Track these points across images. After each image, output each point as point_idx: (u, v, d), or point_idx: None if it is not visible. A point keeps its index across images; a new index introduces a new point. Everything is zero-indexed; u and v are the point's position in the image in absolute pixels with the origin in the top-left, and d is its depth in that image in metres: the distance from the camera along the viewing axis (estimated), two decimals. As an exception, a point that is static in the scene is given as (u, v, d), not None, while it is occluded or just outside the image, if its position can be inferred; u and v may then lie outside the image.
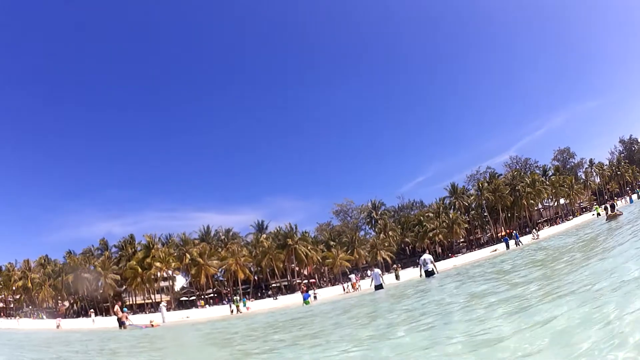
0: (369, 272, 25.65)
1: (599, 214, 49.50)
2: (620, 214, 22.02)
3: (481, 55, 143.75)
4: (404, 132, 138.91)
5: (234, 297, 48.39)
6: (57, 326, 43.66)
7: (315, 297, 41.61)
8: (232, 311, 41.36)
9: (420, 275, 19.54)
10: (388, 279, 45.38)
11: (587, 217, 60.77)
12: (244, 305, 50.28)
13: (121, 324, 27.17)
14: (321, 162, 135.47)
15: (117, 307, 30.16)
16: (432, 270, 18.67)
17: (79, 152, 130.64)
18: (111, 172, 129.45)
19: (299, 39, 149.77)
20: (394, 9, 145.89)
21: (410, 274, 55.07)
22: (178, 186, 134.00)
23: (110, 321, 49.69)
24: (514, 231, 53.37)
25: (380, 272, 21.71)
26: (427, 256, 19.39)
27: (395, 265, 58.87)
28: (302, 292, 40.57)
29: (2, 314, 76.84)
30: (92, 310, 60.56)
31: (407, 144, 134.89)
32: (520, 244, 45.13)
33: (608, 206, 24.78)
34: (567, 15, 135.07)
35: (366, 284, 45.98)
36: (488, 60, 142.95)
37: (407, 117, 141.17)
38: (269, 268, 69.15)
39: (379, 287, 20.38)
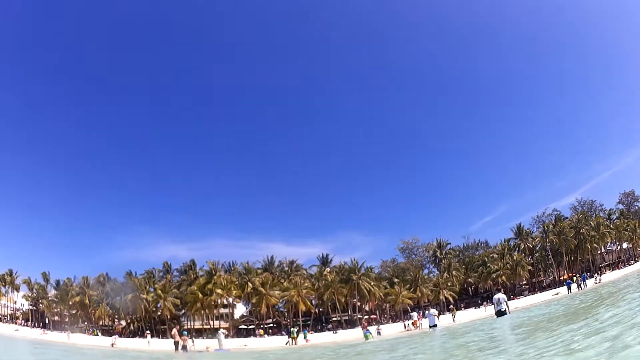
0: (425, 313, 27.72)
1: None
2: None
3: (554, 95, 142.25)
4: (475, 170, 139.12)
5: (292, 329, 47.56)
6: (112, 344, 43.78)
7: (379, 333, 41.52)
8: (287, 342, 41.08)
9: (495, 314, 18.77)
10: (446, 319, 45.05)
11: None
12: (305, 337, 49.81)
13: (177, 346, 27.42)
14: (391, 198, 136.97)
15: (174, 331, 30.35)
16: (505, 310, 17.86)
17: (146, 175, 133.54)
18: (182, 199, 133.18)
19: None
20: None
21: (472, 314, 54.25)
22: (248, 215, 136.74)
23: (166, 343, 49.83)
24: (583, 273, 51.75)
25: (435, 312, 24.10)
26: (501, 295, 18.56)
27: (452, 307, 57.98)
28: (362, 328, 40.15)
29: (55, 328, 77.80)
30: (148, 331, 60.38)
31: (478, 182, 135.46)
32: (582, 287, 44.09)
33: None
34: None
35: (427, 323, 45.48)
36: (561, 100, 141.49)
37: (481, 155, 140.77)
38: (331, 302, 68.42)
39: (433, 326, 22.62)
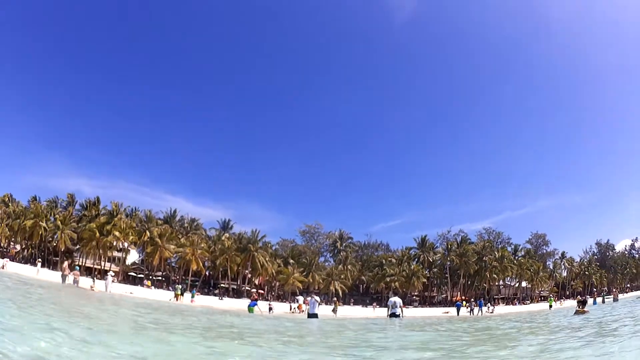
0: (308, 298, 24.61)
1: (550, 306, 51.14)
2: (587, 312, 22.10)
3: (482, 121, 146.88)
4: (389, 171, 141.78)
5: (177, 286, 48.02)
6: (2, 266, 43.51)
7: (270, 309, 41.46)
8: (171, 299, 41.29)
9: (387, 316, 19.52)
10: (326, 309, 45.78)
11: (542, 305, 61.74)
12: (193, 296, 50.33)
13: (64, 279, 27.81)
14: (298, 179, 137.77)
15: (66, 264, 30.45)
16: (399, 314, 18.65)
17: (65, 104, 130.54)
18: (92, 132, 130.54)
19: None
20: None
21: (359, 312, 55.55)
22: (156, 163, 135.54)
23: (55, 275, 49.60)
24: (480, 299, 53.50)
25: (318, 300, 21.10)
26: (397, 299, 19.36)
27: (335, 299, 58.90)
28: (251, 299, 40.56)
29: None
30: (39, 259, 59.75)
31: (390, 183, 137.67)
32: (473, 312, 45.77)
33: (581, 300, 25.14)
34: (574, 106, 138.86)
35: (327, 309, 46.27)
36: (488, 126, 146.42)
37: (398, 158, 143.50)
38: (223, 267, 69.06)
39: (312, 315, 19.89)
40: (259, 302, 40.07)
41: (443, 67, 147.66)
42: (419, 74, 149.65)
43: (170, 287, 64.30)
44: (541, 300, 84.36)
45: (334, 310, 43.64)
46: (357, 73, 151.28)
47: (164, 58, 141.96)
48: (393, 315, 18.53)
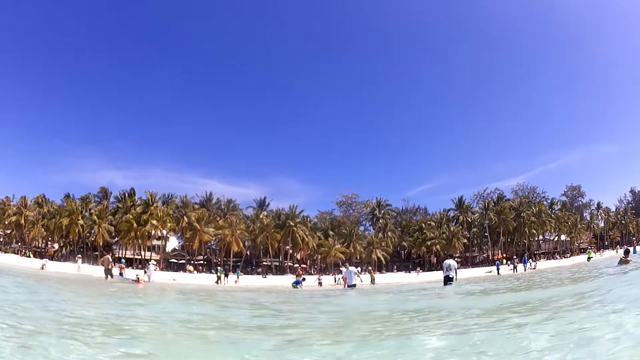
0: (342, 269, 23.07)
1: (589, 258, 51.12)
2: (630, 260, 21.43)
3: (505, 78, 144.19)
4: (418, 135, 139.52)
5: (218, 268, 47.61)
6: (42, 267, 42.79)
7: (320, 283, 40.94)
8: (217, 281, 40.94)
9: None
10: (366, 279, 44.97)
11: (582, 258, 60.66)
12: (238, 277, 50.12)
13: (107, 274, 26.59)
14: (333, 150, 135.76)
15: (107, 257, 29.16)
16: (453, 277, 17.78)
17: (93, 100, 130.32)
18: (122, 124, 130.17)
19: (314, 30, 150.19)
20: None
21: (399, 278, 54.74)
22: (187, 148, 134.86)
23: (96, 270, 49.20)
24: (524, 256, 52.70)
25: (355, 270, 20.12)
26: (451, 262, 18.42)
27: (370, 269, 58.12)
28: (297, 275, 40.16)
29: (-12, 246, 76.51)
30: (79, 255, 59.54)
31: (420, 148, 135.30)
32: (516, 270, 44.73)
33: (624, 249, 24.35)
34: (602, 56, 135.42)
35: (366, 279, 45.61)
36: (511, 83, 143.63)
37: (423, 121, 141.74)
38: (263, 246, 68.67)
39: (351, 287, 19.03)
40: (307, 277, 39.83)
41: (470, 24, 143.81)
42: (445, 26, 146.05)
43: (212, 270, 64.19)
44: (581, 252, 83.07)
45: (372, 280, 42.97)
46: (381, 35, 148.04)
47: (188, 40, 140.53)
48: (447, 278, 17.62)
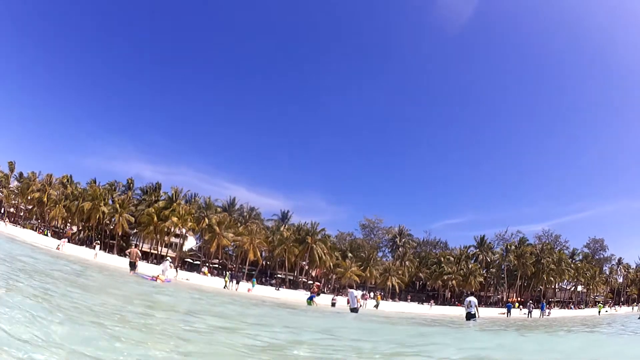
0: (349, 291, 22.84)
1: (599, 312, 51.49)
2: None
3: (549, 118, 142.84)
4: (447, 171, 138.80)
5: (227, 273, 47.11)
6: (58, 247, 42.29)
7: (333, 304, 40.23)
8: (225, 286, 40.53)
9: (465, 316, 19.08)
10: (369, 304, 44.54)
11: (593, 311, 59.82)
12: (253, 285, 49.75)
13: (133, 267, 25.98)
14: (363, 174, 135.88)
15: (137, 250, 28.52)
16: (474, 313, 18.32)
17: (132, 94, 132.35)
18: (155, 117, 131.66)
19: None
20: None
21: (410, 308, 54.06)
22: (219, 152, 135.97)
23: (113, 259, 49.04)
24: (542, 302, 52.08)
25: (358, 293, 20.14)
26: (472, 299, 19.13)
27: (377, 293, 57.55)
28: (311, 292, 39.61)
29: (9, 219, 77.22)
30: (97, 242, 59.44)
31: (451, 182, 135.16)
32: (530, 315, 44.22)
33: None
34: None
35: (370, 304, 45.18)
36: (553, 124, 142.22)
37: (458, 155, 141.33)
38: (280, 258, 68.26)
39: (354, 310, 18.97)
40: (321, 296, 39.29)
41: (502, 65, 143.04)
42: (476, 72, 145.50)
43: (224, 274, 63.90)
44: (595, 305, 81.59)
45: (376, 306, 42.62)
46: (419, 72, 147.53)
47: (223, 48, 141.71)
48: (469, 314, 18.27)
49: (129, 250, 29.33)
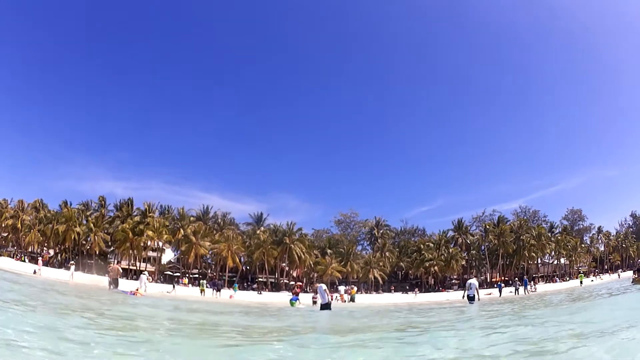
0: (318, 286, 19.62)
1: (581, 282, 52.54)
2: None
3: (510, 98, 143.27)
4: (418, 155, 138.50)
5: (201, 281, 46.88)
6: (35, 272, 41.92)
7: (314, 302, 40.22)
8: (201, 292, 40.56)
9: (463, 297, 19.78)
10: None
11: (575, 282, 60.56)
12: (235, 290, 49.76)
13: (113, 284, 25.28)
14: (331, 167, 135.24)
15: (118, 267, 27.91)
16: (474, 296, 18.80)
17: (95, 109, 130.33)
18: (122, 134, 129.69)
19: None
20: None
21: (395, 298, 54.18)
22: (187, 162, 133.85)
23: (90, 278, 48.44)
24: (525, 278, 52.78)
25: (326, 288, 18.22)
26: (473, 281, 19.48)
27: (351, 287, 57.15)
28: (293, 293, 39.56)
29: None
30: (72, 262, 58.40)
31: (420, 169, 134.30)
32: (517, 292, 44.71)
33: (636, 268, 25.53)
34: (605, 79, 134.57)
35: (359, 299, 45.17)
36: (514, 103, 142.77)
37: (423, 140, 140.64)
38: (260, 262, 68.07)
39: (325, 306, 16.82)
40: (301, 295, 39.26)
41: (464, 42, 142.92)
42: (442, 52, 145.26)
43: (208, 285, 63.46)
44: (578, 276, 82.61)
45: (352, 299, 42.67)
46: (382, 53, 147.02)
47: (185, 52, 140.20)
48: (469, 297, 18.73)
49: (110, 267, 28.86)
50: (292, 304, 28.02)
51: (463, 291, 20.46)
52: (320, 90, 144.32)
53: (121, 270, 27.80)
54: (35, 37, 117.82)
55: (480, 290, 20.07)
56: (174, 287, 45.08)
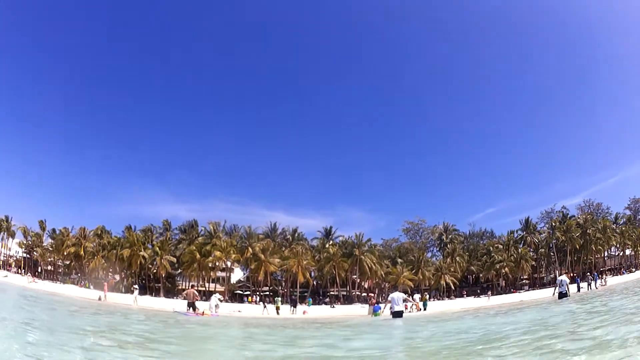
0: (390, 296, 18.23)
1: None
2: None
3: (561, 98, 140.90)
4: (479, 162, 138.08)
5: (277, 298, 45.83)
6: (100, 298, 41.63)
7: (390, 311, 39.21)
8: (277, 310, 39.28)
9: (553, 294, 19.74)
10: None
11: None
12: (309, 306, 48.83)
13: (192, 306, 24.86)
14: (393, 177, 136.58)
15: (194, 290, 27.38)
16: (566, 292, 18.68)
17: (155, 130, 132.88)
18: (183, 156, 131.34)
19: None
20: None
21: (469, 303, 52.89)
22: (249, 180, 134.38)
23: (158, 302, 48.16)
24: (595, 273, 51.04)
25: (403, 296, 17.56)
26: (564, 278, 19.34)
27: (425, 293, 55.79)
28: (370, 304, 38.75)
29: (48, 277, 76.82)
30: (135, 286, 57.83)
31: (482, 173, 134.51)
32: (590, 287, 42.54)
33: None
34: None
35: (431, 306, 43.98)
36: (566, 103, 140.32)
37: (484, 142, 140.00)
38: (330, 275, 67.35)
39: (397, 314, 16.41)
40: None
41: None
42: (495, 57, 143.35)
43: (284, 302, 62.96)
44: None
45: (425, 307, 41.24)
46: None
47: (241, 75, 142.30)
48: (561, 294, 18.57)
49: (185, 292, 28.65)
50: (376, 314, 27.72)
51: (554, 288, 20.36)
52: (381, 106, 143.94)
53: (197, 294, 27.24)
54: (91, 62, 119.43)
55: (551, 289, 19.74)
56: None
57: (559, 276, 20.47)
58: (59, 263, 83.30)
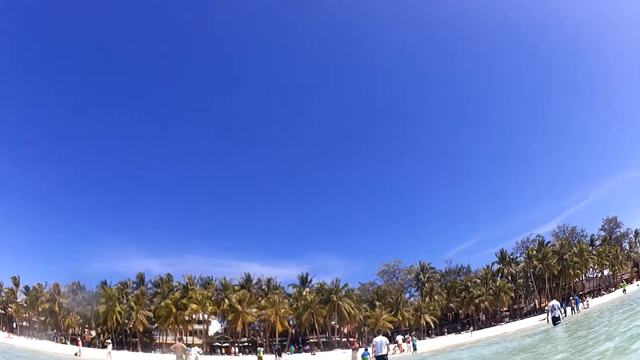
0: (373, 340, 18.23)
1: (624, 290, 52.16)
2: None
3: (528, 128, 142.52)
4: (449, 196, 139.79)
5: (259, 348, 45.51)
6: (75, 354, 41.11)
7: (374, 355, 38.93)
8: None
9: (548, 321, 20.45)
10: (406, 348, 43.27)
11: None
12: (291, 353, 48.63)
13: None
14: (364, 223, 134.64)
15: (181, 344, 26.96)
16: (559, 316, 19.24)
17: (124, 187, 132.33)
18: (154, 212, 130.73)
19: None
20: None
21: (451, 340, 52.89)
22: (220, 233, 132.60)
23: (135, 357, 47.75)
24: (576, 296, 51.04)
25: (386, 340, 17.58)
26: (556, 303, 19.97)
27: (412, 334, 55.38)
28: (353, 349, 38.39)
29: (23, 334, 75.01)
30: (108, 341, 56.08)
31: (454, 208, 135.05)
32: (574, 311, 42.63)
33: None
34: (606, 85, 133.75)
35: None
36: (537, 128, 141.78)
37: (455, 181, 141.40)
38: (309, 322, 66.64)
39: (381, 358, 16.57)
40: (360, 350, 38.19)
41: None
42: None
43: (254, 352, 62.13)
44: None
45: (413, 348, 41.24)
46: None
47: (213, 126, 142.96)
48: (554, 318, 19.12)
49: (174, 346, 27.90)
50: (364, 359, 27.41)
51: (546, 314, 21.72)
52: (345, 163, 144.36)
53: (185, 347, 26.70)
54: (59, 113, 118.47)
55: (532, 319, 20.46)
56: None
57: (550, 302, 21.02)
58: (34, 319, 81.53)
